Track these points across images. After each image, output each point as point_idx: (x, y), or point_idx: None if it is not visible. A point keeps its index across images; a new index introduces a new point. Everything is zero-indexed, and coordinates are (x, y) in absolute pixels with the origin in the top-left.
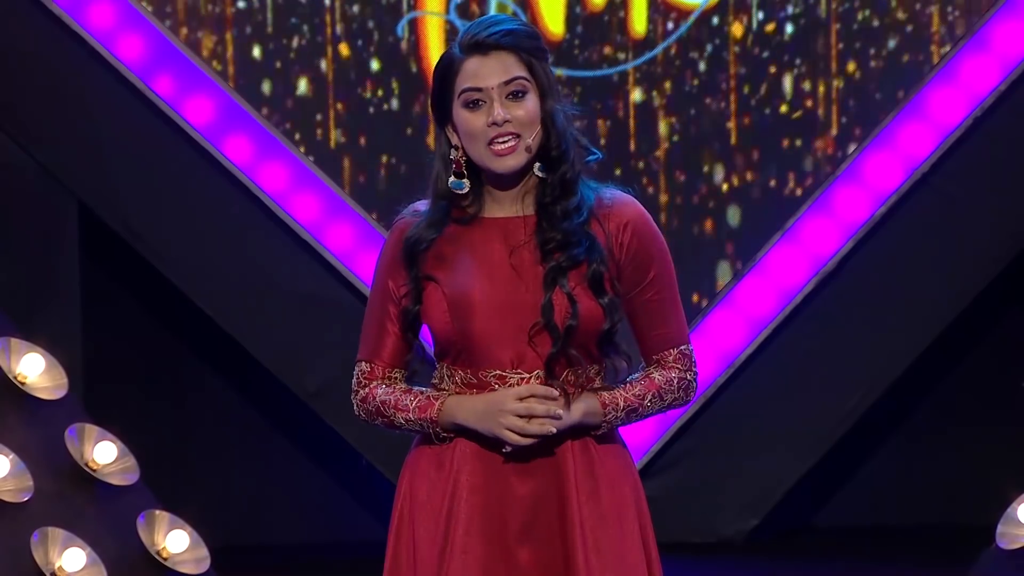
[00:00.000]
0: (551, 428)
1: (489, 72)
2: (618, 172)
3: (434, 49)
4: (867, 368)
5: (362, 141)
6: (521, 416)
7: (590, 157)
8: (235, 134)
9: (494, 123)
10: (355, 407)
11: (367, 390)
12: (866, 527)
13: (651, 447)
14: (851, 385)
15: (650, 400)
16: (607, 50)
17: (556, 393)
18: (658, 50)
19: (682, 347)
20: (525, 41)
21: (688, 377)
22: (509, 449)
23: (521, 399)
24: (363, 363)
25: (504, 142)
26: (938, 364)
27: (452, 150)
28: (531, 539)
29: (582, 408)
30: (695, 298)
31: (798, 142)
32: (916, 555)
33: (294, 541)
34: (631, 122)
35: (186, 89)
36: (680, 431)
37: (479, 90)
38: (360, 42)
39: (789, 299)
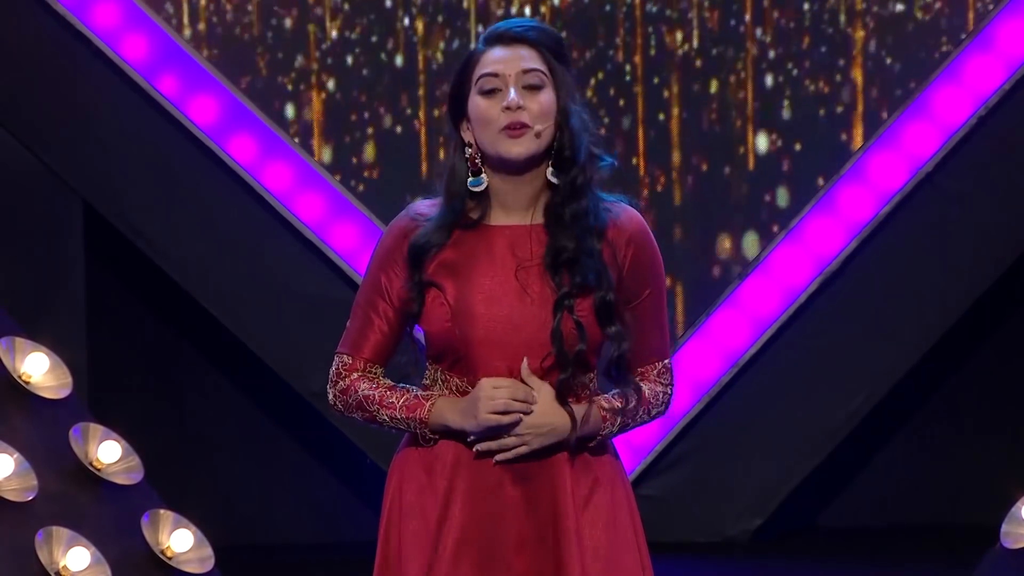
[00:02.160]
0: (522, 448)
1: (509, 60)
2: (640, 169)
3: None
4: (871, 368)
5: (365, 141)
6: (500, 412)
7: (603, 163)
8: (239, 134)
9: (507, 108)
10: (331, 397)
11: (347, 382)
12: (870, 527)
13: (655, 447)
14: (855, 385)
15: (641, 414)
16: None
17: (533, 399)
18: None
19: (665, 361)
20: (548, 40)
21: (669, 392)
22: (481, 446)
23: (499, 399)
24: (344, 355)
25: (516, 127)
26: (942, 363)
27: (468, 148)
28: (525, 546)
29: (584, 421)
30: (698, 299)
31: (805, 137)
32: (920, 555)
33: (298, 540)
34: (640, 121)
35: (190, 89)
36: (684, 431)
37: (496, 76)
38: (364, 43)
39: (793, 299)
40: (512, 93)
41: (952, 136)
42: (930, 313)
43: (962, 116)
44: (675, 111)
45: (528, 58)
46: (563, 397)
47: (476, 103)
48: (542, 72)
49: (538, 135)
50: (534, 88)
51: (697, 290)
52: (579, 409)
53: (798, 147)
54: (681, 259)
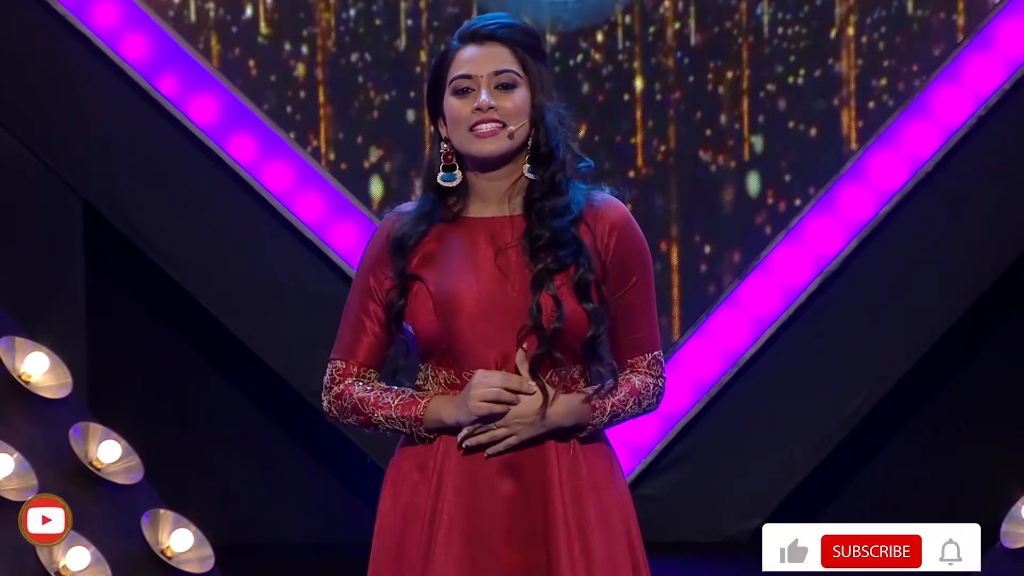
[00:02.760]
0: (511, 439)
1: (481, 60)
2: (631, 174)
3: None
4: (871, 368)
5: (365, 141)
6: (490, 400)
7: (581, 164)
8: (239, 133)
9: (478, 108)
10: (325, 403)
11: (341, 387)
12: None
13: (655, 447)
14: (855, 385)
15: (631, 405)
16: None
17: (531, 388)
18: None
19: (655, 353)
20: (521, 36)
21: (660, 384)
22: (469, 441)
23: (491, 387)
24: (337, 361)
25: (486, 127)
26: (942, 363)
27: (443, 143)
28: (515, 539)
29: (571, 411)
30: (698, 299)
31: (804, 135)
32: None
33: (298, 540)
34: (638, 122)
35: (190, 88)
36: (684, 430)
37: (469, 77)
38: (363, 42)
39: (793, 298)
40: (483, 95)
41: (952, 136)
42: (930, 313)
43: (962, 116)
44: (672, 102)
45: (500, 58)
46: (535, 374)
47: (450, 103)
48: (514, 72)
49: (511, 136)
50: (507, 87)
51: (697, 290)
52: (560, 398)
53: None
54: (680, 258)
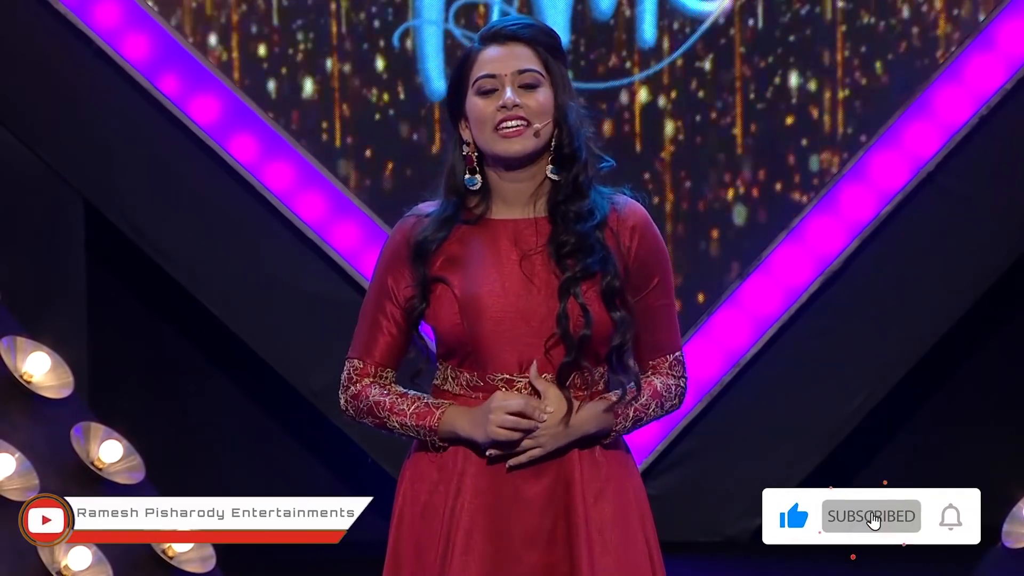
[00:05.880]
0: (536, 451)
1: (504, 60)
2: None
3: (431, 58)
4: (872, 367)
5: (366, 141)
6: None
7: (603, 164)
8: (241, 133)
9: (503, 106)
10: (343, 402)
11: (358, 387)
12: None
13: (656, 446)
14: (856, 384)
15: (654, 408)
16: (613, 60)
17: (541, 417)
18: (666, 62)
19: (676, 354)
20: (543, 37)
21: (682, 384)
22: (494, 452)
23: (510, 412)
24: (355, 360)
25: (511, 126)
26: (943, 363)
27: (465, 146)
28: (539, 542)
29: (594, 419)
30: (701, 298)
31: (804, 141)
32: (921, 554)
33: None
34: (636, 124)
35: (192, 88)
36: (685, 430)
37: (493, 76)
38: (365, 44)
39: (794, 298)
40: (508, 92)
41: (954, 136)
42: (931, 313)
43: (964, 115)
44: (668, 117)
45: (523, 57)
46: (563, 381)
47: (474, 104)
48: (537, 72)
49: (536, 134)
50: (530, 87)
51: (698, 290)
52: (584, 405)
53: (805, 142)
54: (681, 259)
